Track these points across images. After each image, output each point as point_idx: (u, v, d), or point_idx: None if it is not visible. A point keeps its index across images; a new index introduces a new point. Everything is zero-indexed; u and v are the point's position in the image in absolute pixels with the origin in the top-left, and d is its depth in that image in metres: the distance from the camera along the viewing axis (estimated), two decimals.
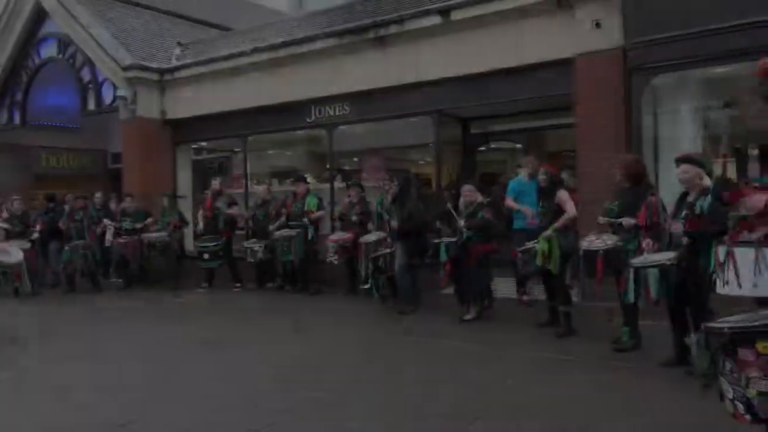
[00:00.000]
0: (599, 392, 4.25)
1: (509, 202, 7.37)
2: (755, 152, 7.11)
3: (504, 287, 7.95)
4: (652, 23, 6.78)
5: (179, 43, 13.06)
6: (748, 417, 2.04)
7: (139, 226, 10.26)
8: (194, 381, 4.86)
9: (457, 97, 8.79)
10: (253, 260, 9.48)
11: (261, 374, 4.99)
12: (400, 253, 7.46)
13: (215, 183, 10.17)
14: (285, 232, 8.97)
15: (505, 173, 10.06)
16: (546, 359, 5.16)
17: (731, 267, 3.43)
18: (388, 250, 7.55)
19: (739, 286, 3.42)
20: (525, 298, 7.37)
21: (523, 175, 7.50)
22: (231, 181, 12.05)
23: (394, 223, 7.45)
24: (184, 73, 11.60)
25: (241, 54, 10.72)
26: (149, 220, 10.43)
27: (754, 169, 6.86)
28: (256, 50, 10.49)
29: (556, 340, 5.79)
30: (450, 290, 7.48)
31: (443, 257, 6.63)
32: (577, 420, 3.73)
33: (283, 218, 9.23)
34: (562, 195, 6.12)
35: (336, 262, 8.64)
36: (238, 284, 9.85)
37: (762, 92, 1.90)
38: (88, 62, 12.15)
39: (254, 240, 9.59)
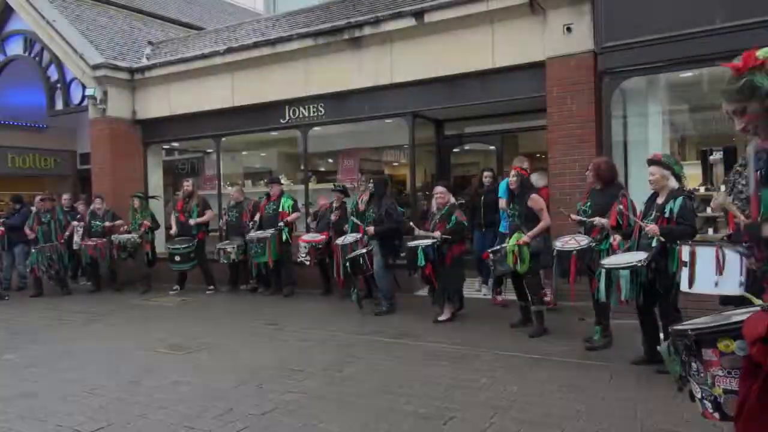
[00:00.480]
0: (571, 390, 4.31)
1: (504, 204, 7.30)
2: (719, 155, 7.31)
3: (473, 287, 8.02)
4: (622, 28, 6.90)
5: (150, 42, 12.86)
6: (716, 415, 2.08)
7: (108, 224, 10.10)
8: (165, 386, 4.78)
9: (431, 99, 8.84)
10: (226, 262, 9.39)
11: (234, 378, 4.94)
12: (378, 252, 7.44)
13: (187, 184, 10.03)
14: (259, 233, 8.90)
15: (478, 175, 10.11)
16: (519, 358, 5.22)
17: (694, 266, 3.51)
18: (364, 250, 7.52)
19: (702, 284, 3.50)
20: (500, 298, 7.44)
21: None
22: (203, 182, 11.90)
23: (370, 229, 7.43)
24: (155, 72, 11.39)
25: (213, 54, 10.59)
26: (118, 221, 10.26)
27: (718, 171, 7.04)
28: (229, 50, 10.38)
29: (529, 339, 5.86)
30: (424, 292, 7.50)
31: (421, 261, 6.64)
32: (549, 418, 3.78)
33: (256, 219, 9.15)
34: (538, 201, 6.17)
35: (307, 263, 8.60)
36: (211, 287, 9.73)
37: (728, 91, 1.92)
38: (56, 60, 11.87)
39: (227, 242, 9.49)
